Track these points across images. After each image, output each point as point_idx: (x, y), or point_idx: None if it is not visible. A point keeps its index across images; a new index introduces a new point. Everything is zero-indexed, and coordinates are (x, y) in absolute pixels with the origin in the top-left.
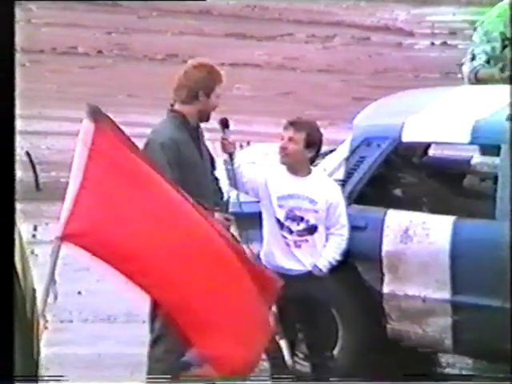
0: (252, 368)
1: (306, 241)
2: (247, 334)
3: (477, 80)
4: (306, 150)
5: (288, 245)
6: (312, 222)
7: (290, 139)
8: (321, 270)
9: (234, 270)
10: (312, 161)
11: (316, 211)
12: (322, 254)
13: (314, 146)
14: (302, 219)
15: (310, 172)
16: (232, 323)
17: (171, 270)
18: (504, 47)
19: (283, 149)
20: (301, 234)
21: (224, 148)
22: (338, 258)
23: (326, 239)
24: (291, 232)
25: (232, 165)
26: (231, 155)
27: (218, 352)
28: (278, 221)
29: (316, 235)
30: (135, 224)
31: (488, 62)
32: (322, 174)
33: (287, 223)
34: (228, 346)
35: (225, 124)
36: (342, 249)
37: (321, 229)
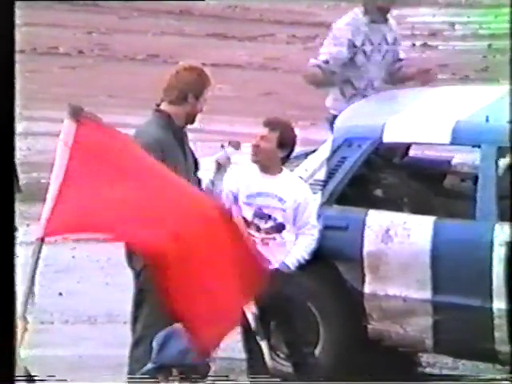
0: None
1: (274, 239)
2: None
3: None
4: (278, 149)
5: (255, 242)
6: (279, 220)
7: (262, 138)
8: (288, 267)
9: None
10: (284, 161)
11: (284, 210)
12: (291, 251)
13: (286, 146)
14: (269, 217)
15: (280, 171)
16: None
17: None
18: None
19: (255, 147)
20: (268, 231)
21: (218, 167)
22: (307, 256)
23: (296, 238)
24: (259, 230)
25: (216, 185)
26: (220, 177)
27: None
28: (245, 219)
29: (284, 233)
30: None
31: None
32: (292, 174)
33: (255, 221)
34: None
35: (236, 147)
36: (311, 248)
37: (288, 227)
